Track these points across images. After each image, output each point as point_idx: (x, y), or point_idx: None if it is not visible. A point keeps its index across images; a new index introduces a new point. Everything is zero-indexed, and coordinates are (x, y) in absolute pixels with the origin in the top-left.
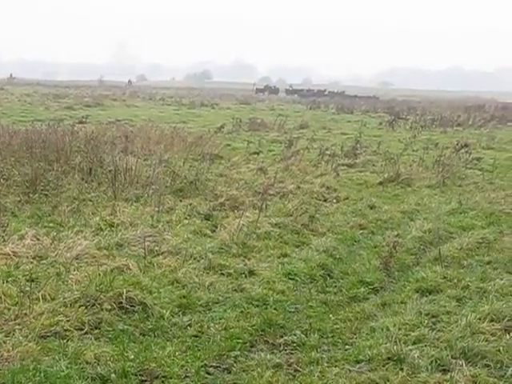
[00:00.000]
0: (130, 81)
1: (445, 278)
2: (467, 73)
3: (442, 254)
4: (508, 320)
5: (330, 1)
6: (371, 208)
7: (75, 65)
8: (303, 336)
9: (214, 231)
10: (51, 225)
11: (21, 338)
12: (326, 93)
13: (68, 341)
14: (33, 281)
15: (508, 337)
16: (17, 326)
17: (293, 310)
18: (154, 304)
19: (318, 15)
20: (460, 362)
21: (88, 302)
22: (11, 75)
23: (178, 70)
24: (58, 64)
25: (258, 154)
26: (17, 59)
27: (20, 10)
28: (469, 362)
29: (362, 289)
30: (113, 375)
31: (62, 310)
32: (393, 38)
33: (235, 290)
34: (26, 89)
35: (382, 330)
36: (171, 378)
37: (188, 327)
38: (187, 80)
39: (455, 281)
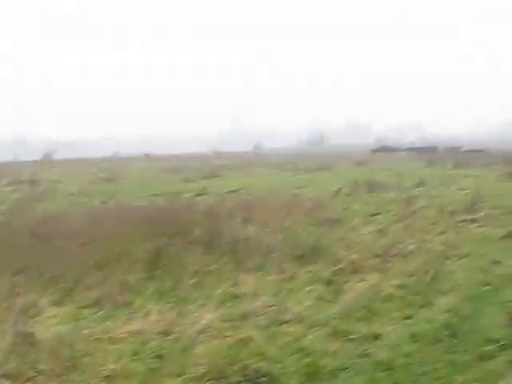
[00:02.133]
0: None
1: None
2: None
3: None
4: None
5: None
6: (495, 263)
7: (187, 136)
8: None
9: (337, 296)
10: (174, 299)
11: None
12: (442, 149)
13: None
14: (159, 357)
15: None
16: None
17: (420, 372)
18: (281, 374)
19: (432, 68)
20: None
21: (215, 375)
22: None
23: (291, 133)
24: (171, 137)
25: (376, 215)
26: (128, 134)
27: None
28: None
29: (490, 347)
30: None
31: None
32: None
33: (360, 355)
34: (143, 164)
35: None
36: None
37: None
38: (302, 144)
39: None
